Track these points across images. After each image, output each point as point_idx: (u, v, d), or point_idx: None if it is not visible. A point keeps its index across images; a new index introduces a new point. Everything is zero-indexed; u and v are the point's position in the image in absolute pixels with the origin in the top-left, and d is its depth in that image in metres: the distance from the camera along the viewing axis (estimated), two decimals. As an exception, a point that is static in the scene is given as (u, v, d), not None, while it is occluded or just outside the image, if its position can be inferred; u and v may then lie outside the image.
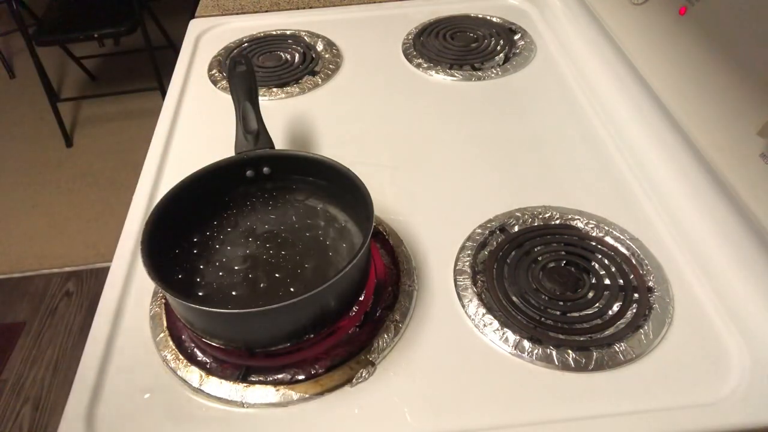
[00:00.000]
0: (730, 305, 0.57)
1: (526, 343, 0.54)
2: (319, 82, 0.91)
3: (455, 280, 0.61)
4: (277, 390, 0.52)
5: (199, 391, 0.53)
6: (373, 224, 0.54)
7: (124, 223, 0.69)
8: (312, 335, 0.54)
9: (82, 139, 2.33)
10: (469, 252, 0.63)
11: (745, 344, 0.54)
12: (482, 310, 0.57)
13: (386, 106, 0.86)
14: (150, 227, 0.53)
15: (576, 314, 0.57)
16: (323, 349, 0.55)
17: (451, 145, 0.79)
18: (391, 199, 0.71)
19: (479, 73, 0.91)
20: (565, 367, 0.53)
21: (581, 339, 0.55)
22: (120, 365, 0.56)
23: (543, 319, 0.57)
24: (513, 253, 0.63)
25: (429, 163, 0.76)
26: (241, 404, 0.52)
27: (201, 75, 0.95)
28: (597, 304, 0.58)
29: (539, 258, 0.62)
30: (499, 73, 0.91)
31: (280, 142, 0.75)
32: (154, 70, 2.20)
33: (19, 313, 1.74)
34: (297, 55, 0.97)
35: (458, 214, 0.68)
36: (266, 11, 1.09)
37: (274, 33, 1.03)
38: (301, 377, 0.53)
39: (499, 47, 0.96)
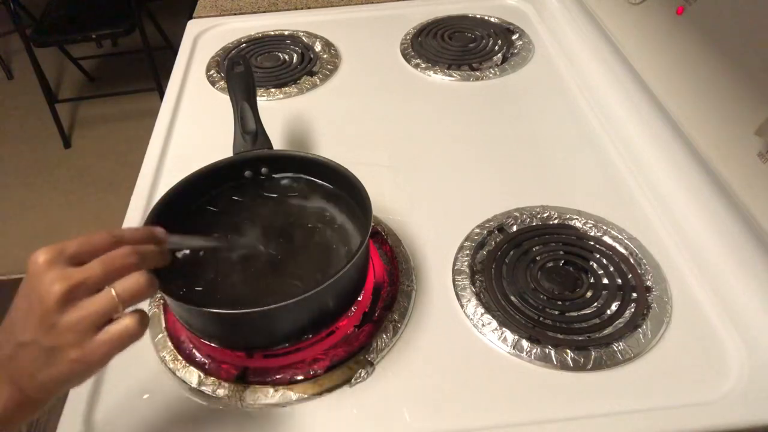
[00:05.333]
0: (728, 304, 0.57)
1: (525, 343, 0.54)
2: (318, 83, 0.91)
3: (454, 280, 0.61)
4: (276, 390, 0.52)
5: (197, 391, 0.53)
6: (372, 224, 0.54)
7: (122, 225, 0.69)
8: (310, 335, 0.54)
9: (80, 140, 2.33)
10: (467, 252, 0.63)
11: (742, 343, 0.54)
12: (481, 310, 0.57)
13: (384, 107, 0.86)
14: (148, 228, 0.53)
15: (574, 314, 0.57)
16: (322, 350, 0.55)
17: (450, 145, 0.79)
18: (389, 200, 0.71)
19: (477, 74, 0.91)
20: (563, 366, 0.53)
21: (580, 338, 0.55)
22: (118, 366, 0.55)
23: (541, 318, 0.57)
24: (511, 252, 0.63)
25: (427, 163, 0.76)
26: (240, 405, 0.52)
27: (199, 76, 0.95)
28: (595, 304, 0.58)
29: (537, 258, 0.62)
30: (497, 73, 0.91)
31: (278, 143, 0.75)
32: (152, 70, 2.19)
33: (17, 314, 1.73)
34: (295, 56, 0.97)
35: (456, 214, 0.68)
36: (264, 12, 1.09)
37: (272, 33, 1.03)
38: (299, 378, 0.53)
39: (497, 47, 0.96)
